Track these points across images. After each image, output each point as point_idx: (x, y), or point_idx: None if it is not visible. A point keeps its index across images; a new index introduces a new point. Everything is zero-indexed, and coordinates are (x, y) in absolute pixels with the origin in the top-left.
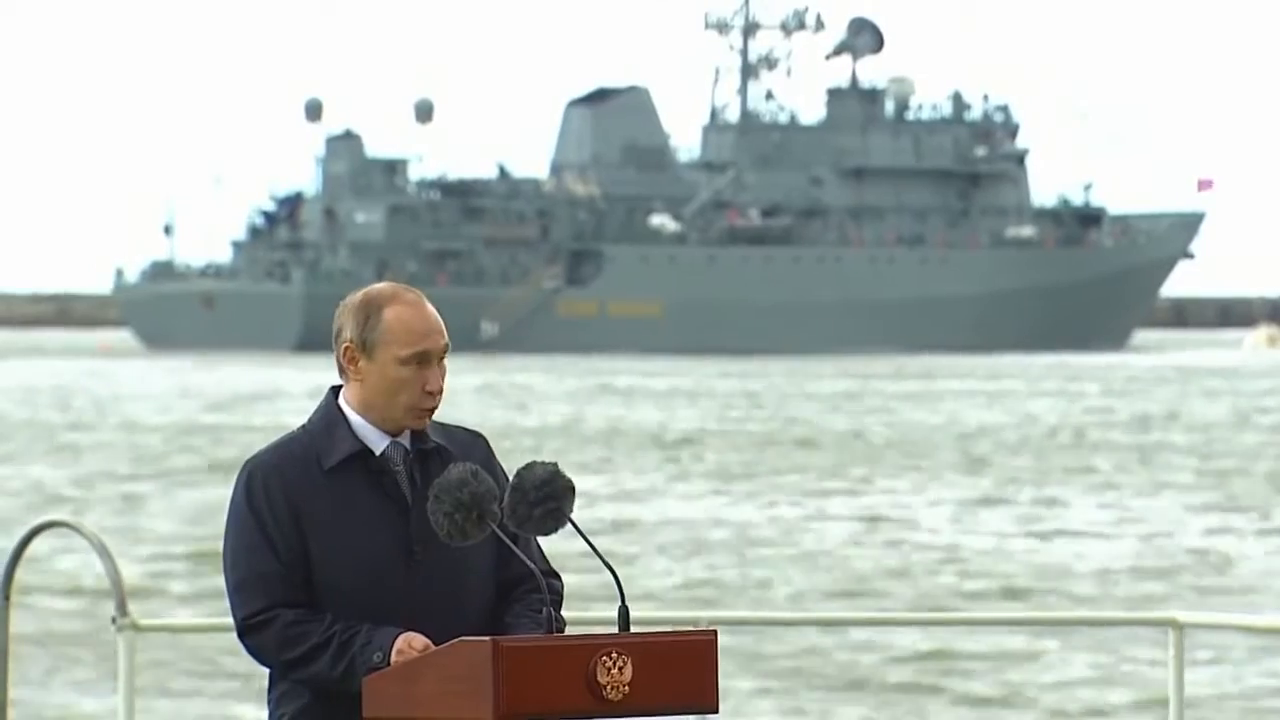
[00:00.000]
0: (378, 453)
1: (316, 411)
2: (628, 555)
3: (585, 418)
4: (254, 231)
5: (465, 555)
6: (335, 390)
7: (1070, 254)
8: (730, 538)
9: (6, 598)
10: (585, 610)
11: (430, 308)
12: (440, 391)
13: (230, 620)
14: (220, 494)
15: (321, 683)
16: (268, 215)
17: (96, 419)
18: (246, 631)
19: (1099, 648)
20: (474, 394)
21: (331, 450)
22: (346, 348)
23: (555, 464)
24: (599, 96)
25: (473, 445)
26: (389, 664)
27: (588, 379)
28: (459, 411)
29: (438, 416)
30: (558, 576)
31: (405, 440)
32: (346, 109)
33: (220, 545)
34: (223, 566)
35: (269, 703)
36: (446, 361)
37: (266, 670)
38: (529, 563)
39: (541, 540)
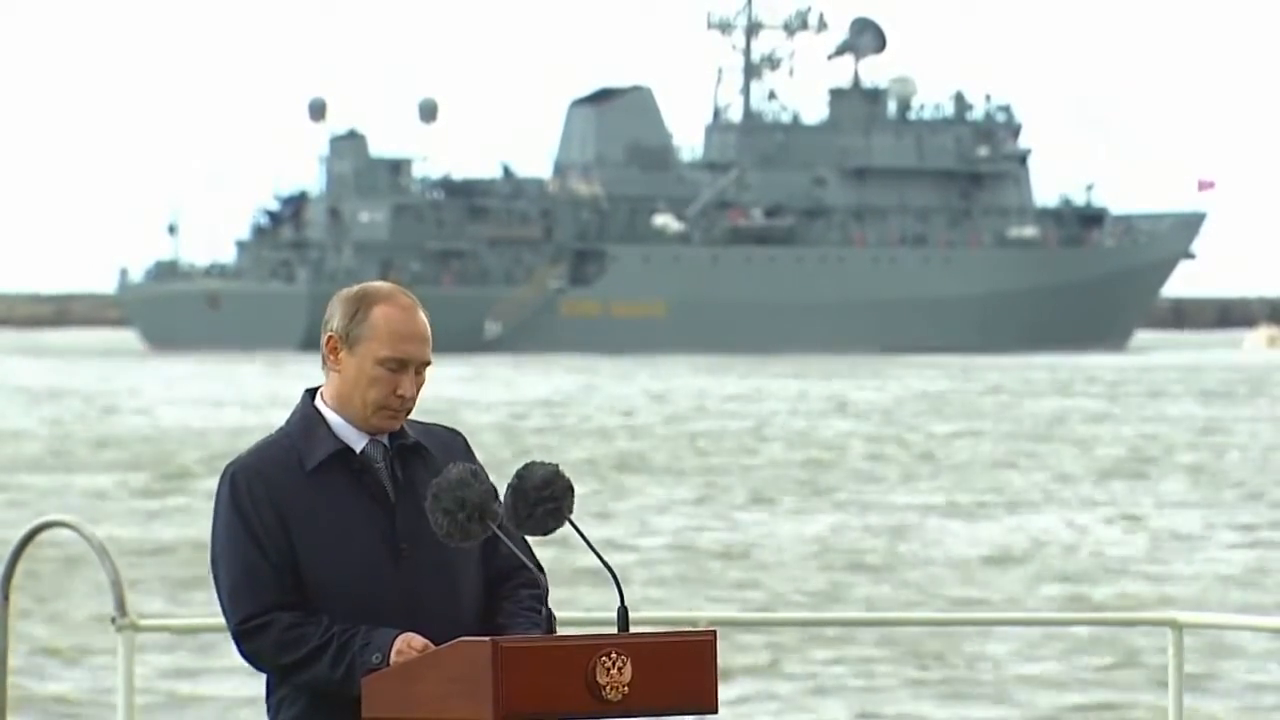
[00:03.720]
0: (358, 451)
1: (294, 414)
2: (626, 555)
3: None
4: (258, 231)
5: (453, 552)
6: (310, 393)
7: (1072, 254)
8: (730, 538)
9: (6, 597)
10: (584, 611)
11: (421, 317)
12: (412, 399)
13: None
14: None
15: (321, 686)
16: (272, 215)
17: (98, 419)
18: (243, 636)
19: (1099, 648)
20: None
21: (312, 451)
22: (330, 338)
23: (556, 465)
24: (602, 96)
25: (452, 442)
26: (388, 665)
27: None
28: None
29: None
30: (541, 570)
31: (384, 438)
32: (350, 109)
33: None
34: (213, 573)
35: (269, 709)
36: (429, 372)
37: (265, 675)
38: (525, 560)
39: (549, 543)
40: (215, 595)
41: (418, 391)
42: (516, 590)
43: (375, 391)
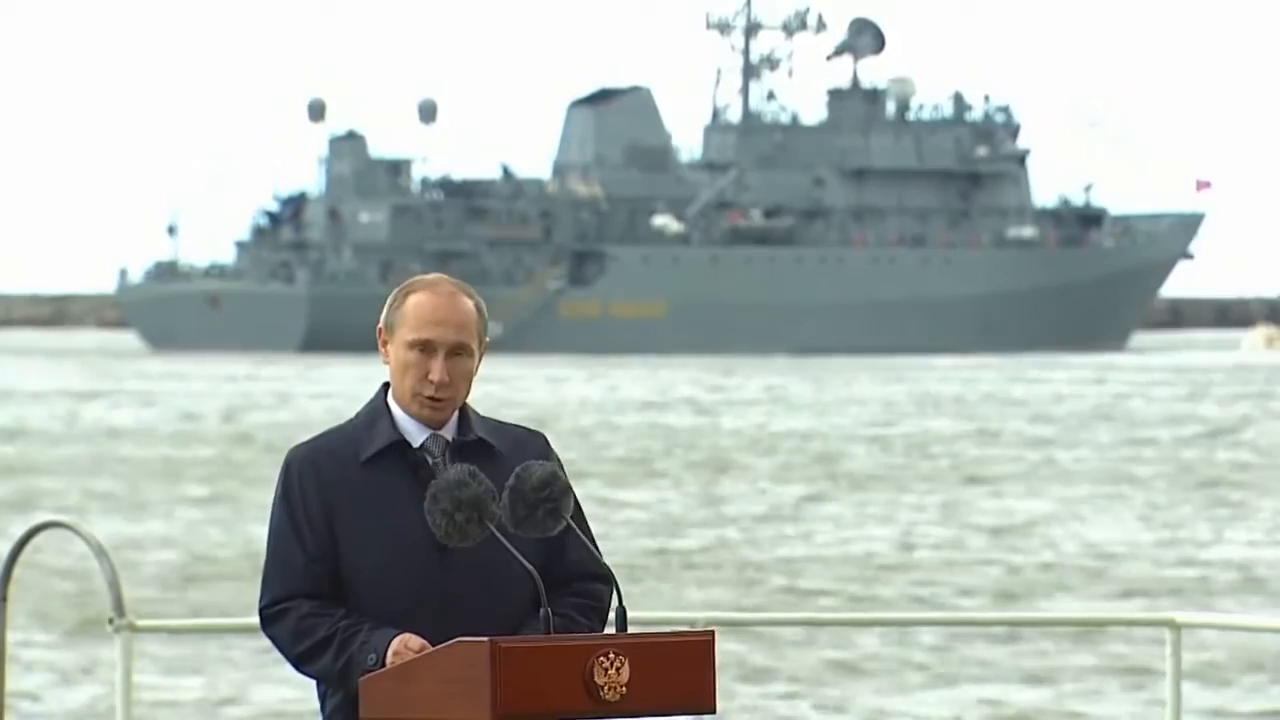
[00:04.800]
0: (415, 445)
1: (365, 405)
2: (624, 555)
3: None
4: (258, 232)
5: (502, 551)
6: (386, 386)
7: (1071, 254)
8: (729, 538)
9: (4, 597)
10: None
11: (460, 303)
12: (444, 384)
13: (226, 621)
14: (220, 496)
15: (326, 679)
16: (271, 215)
17: (97, 418)
18: (266, 621)
19: (1097, 648)
20: None
21: (370, 442)
22: (379, 330)
23: (554, 465)
24: (601, 97)
25: (527, 442)
26: (383, 666)
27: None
28: None
29: (502, 415)
30: (605, 580)
31: (448, 433)
32: (350, 109)
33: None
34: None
35: (319, 695)
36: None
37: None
38: (528, 566)
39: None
40: (209, 598)
41: (459, 379)
42: (563, 598)
43: (409, 378)
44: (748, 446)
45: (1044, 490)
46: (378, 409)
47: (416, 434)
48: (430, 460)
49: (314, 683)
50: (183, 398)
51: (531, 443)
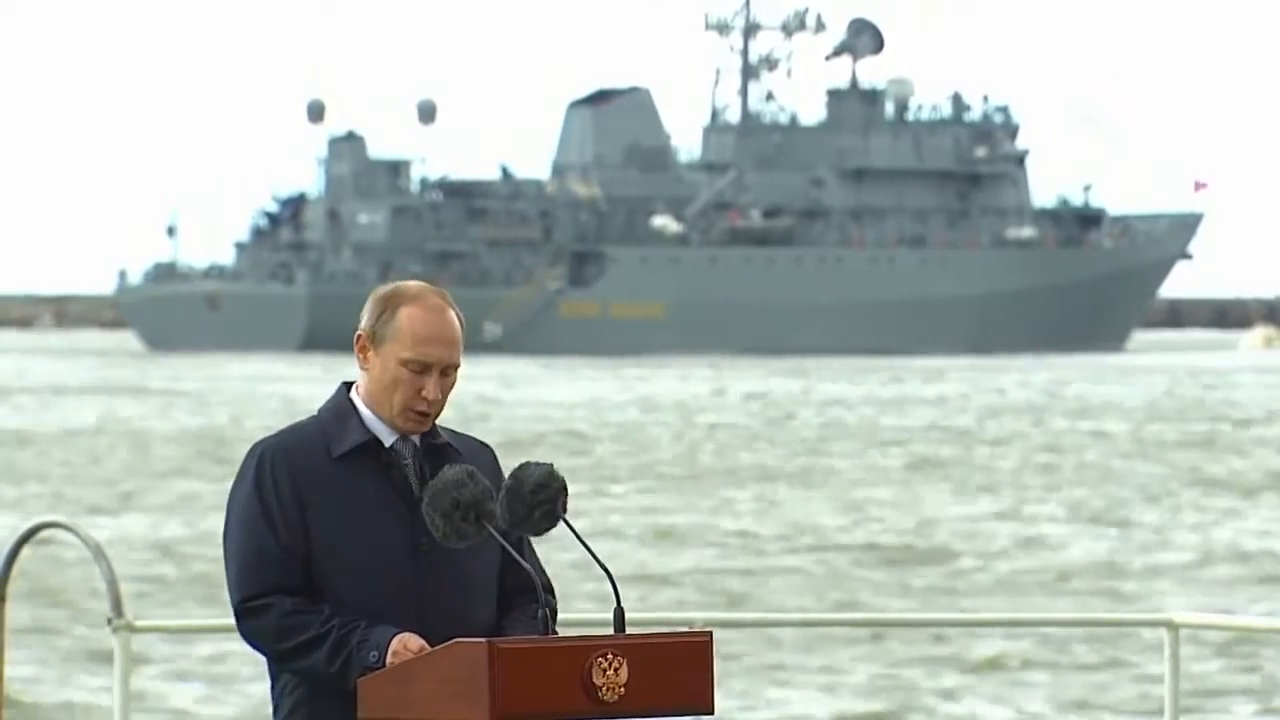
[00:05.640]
0: (387, 445)
1: (328, 402)
2: (621, 555)
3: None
4: (257, 233)
5: (472, 552)
6: (347, 385)
7: (1070, 255)
8: (726, 538)
9: (2, 598)
10: (580, 612)
11: (450, 318)
12: (437, 402)
13: (224, 621)
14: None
15: (316, 677)
16: (271, 216)
17: (96, 419)
18: (243, 615)
19: (1095, 648)
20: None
21: (342, 439)
22: (359, 336)
23: (550, 465)
24: (600, 97)
25: (481, 453)
26: (384, 664)
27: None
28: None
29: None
30: (552, 592)
31: (415, 436)
32: (349, 110)
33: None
34: (224, 547)
35: (273, 695)
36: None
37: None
38: (528, 569)
39: (542, 542)
40: (209, 598)
41: (446, 394)
42: (528, 604)
43: (400, 393)
44: (746, 446)
45: (1042, 489)
46: (344, 407)
47: (386, 435)
48: (402, 462)
49: (269, 683)
50: (182, 399)
51: (484, 453)
